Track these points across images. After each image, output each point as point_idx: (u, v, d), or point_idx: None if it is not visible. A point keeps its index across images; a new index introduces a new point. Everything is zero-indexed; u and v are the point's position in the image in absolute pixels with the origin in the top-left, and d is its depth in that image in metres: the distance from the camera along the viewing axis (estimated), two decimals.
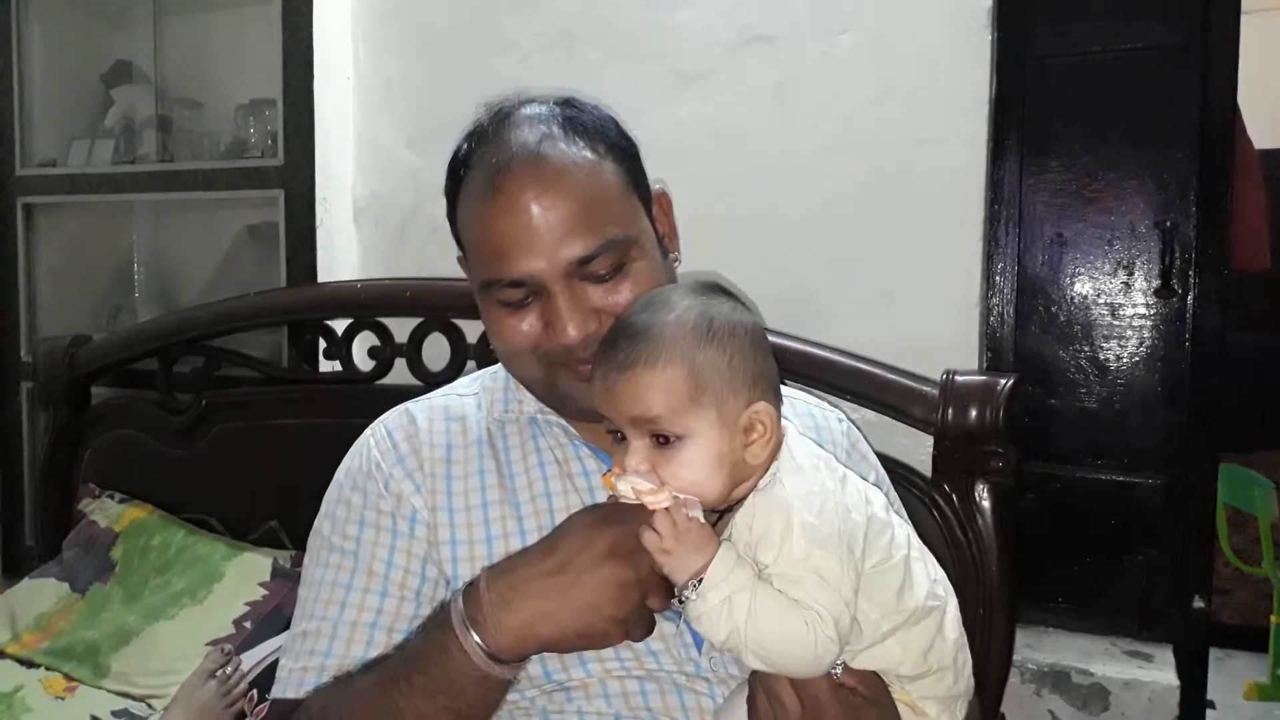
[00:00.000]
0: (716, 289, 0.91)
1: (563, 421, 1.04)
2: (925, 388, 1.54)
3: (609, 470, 0.86)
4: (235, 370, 2.25)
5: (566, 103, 1.02)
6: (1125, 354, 1.84)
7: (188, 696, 1.63)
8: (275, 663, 1.65)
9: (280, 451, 2.18)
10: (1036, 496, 1.88)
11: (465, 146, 1.01)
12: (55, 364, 2.30)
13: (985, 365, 1.88)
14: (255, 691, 1.67)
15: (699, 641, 0.95)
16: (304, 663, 0.99)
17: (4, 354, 2.70)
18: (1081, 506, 1.86)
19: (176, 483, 2.23)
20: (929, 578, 0.88)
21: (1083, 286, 1.87)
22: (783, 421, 0.89)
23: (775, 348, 1.60)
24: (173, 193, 2.47)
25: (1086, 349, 1.86)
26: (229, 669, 1.69)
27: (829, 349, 1.64)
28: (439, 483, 1.02)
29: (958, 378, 1.51)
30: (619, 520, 0.85)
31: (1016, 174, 1.87)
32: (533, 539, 0.95)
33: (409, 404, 1.11)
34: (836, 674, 0.83)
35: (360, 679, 0.94)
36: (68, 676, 1.91)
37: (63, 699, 1.84)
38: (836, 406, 1.69)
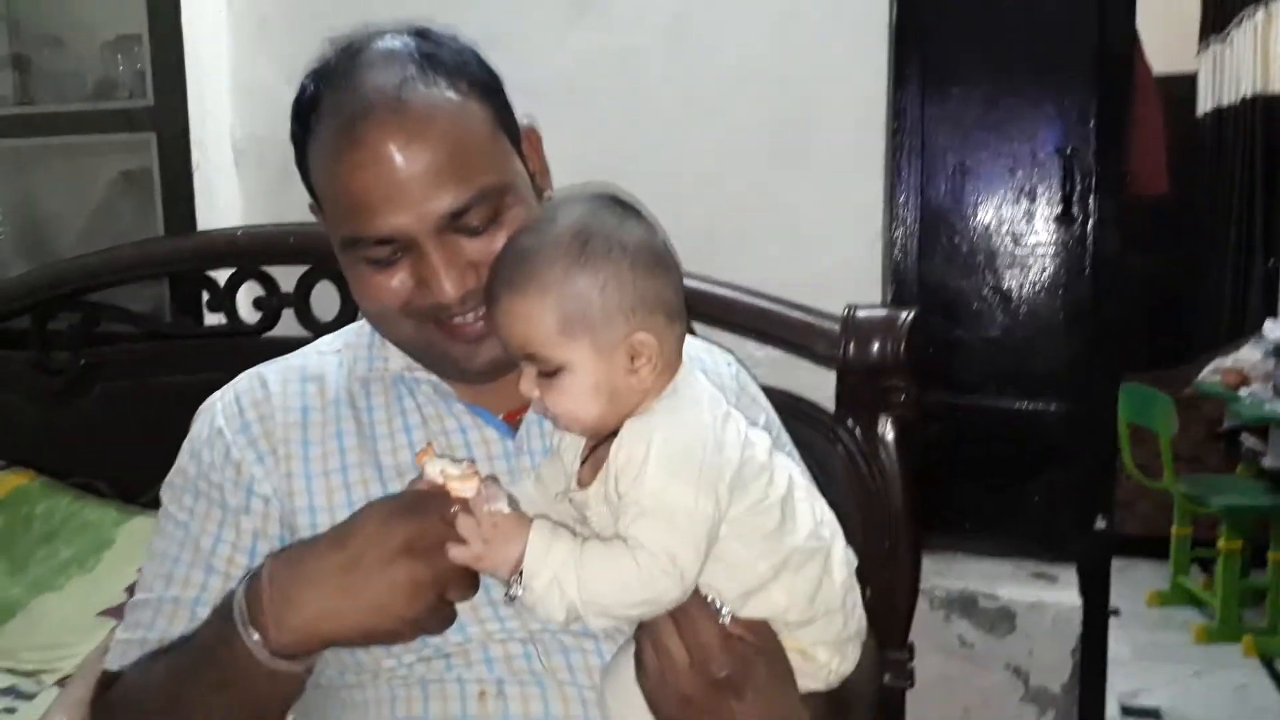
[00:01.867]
0: (608, 201, 0.84)
1: (433, 378, 0.99)
2: (827, 324, 1.53)
3: (424, 449, 0.83)
4: (116, 326, 2.14)
5: (422, 35, 0.94)
6: (1027, 282, 1.85)
7: (90, 673, 1.55)
8: None
9: (168, 410, 2.08)
10: (943, 426, 1.89)
11: (312, 88, 0.92)
12: None
13: (890, 298, 1.87)
14: None
15: None
16: (130, 634, 0.96)
17: None
18: (987, 434, 1.88)
19: (59, 446, 2.13)
20: (814, 519, 0.86)
21: (985, 215, 1.86)
22: (685, 356, 0.85)
23: None
24: (35, 138, 2.31)
25: (990, 278, 1.86)
26: None
27: (731, 287, 1.61)
28: (293, 448, 0.97)
29: (859, 313, 1.50)
30: (417, 513, 0.80)
31: (918, 104, 1.85)
32: None
33: (262, 366, 1.05)
34: (724, 622, 0.81)
35: (161, 662, 0.91)
36: None
37: None
38: (743, 344, 1.69)
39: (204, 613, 0.92)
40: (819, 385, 1.57)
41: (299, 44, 2.02)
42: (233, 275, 1.96)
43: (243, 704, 0.84)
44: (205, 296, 2.02)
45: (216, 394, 1.03)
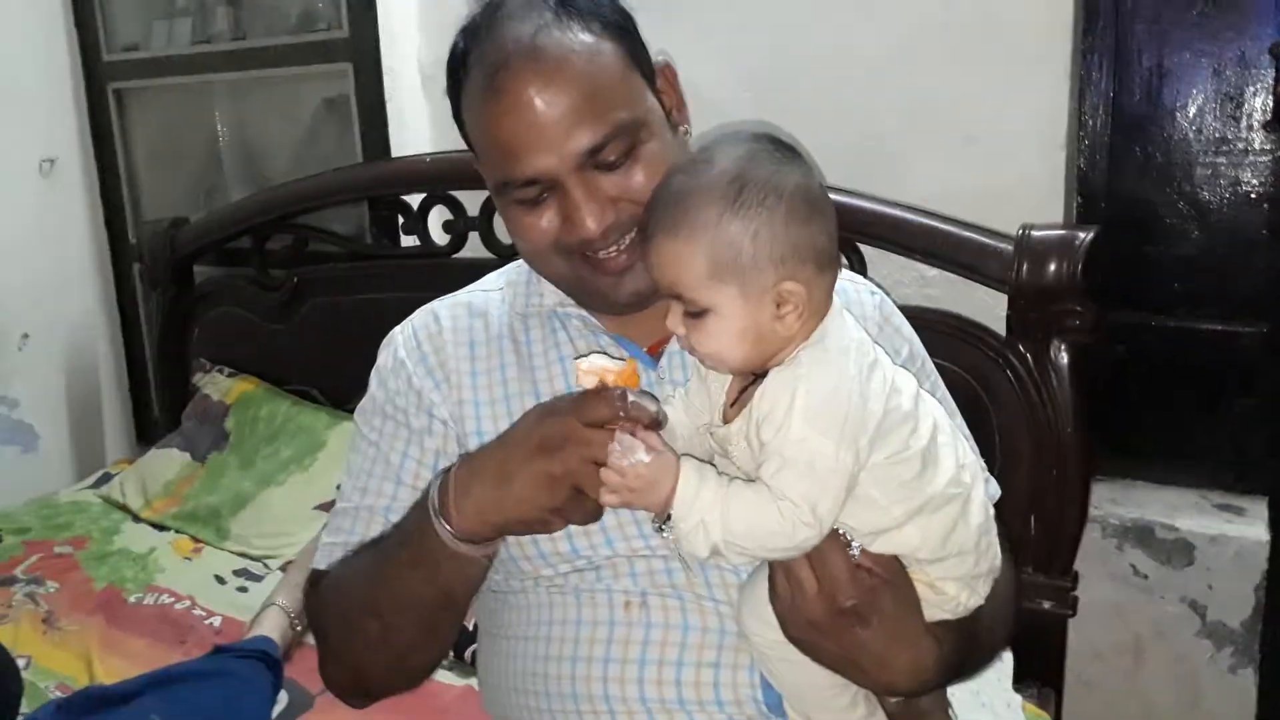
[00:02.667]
0: (768, 142, 0.85)
1: (583, 313, 1.04)
2: (999, 244, 1.48)
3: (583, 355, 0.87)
4: (324, 246, 2.32)
5: None
6: (1228, 194, 1.71)
7: (305, 562, 1.74)
8: None
9: (369, 325, 2.25)
10: (1130, 347, 1.80)
11: (461, 44, 0.97)
12: (158, 246, 2.41)
13: (1075, 211, 1.78)
14: None
15: None
16: (333, 538, 1.08)
17: (115, 238, 2.84)
18: (1177, 357, 1.78)
19: (279, 356, 2.35)
20: (956, 463, 0.86)
21: (1184, 122, 1.73)
22: (835, 299, 0.86)
23: (840, 206, 1.57)
24: (248, 71, 2.50)
25: (1186, 190, 1.74)
26: None
27: (899, 206, 1.58)
28: (463, 378, 1.05)
29: (1034, 233, 1.45)
30: (556, 414, 0.86)
31: (1111, 1, 1.71)
32: None
33: (435, 303, 1.13)
34: (855, 555, 0.84)
35: (364, 553, 1.02)
36: (194, 539, 2.08)
37: (190, 559, 2.01)
38: (913, 264, 1.67)
39: (395, 519, 1.04)
40: (992, 306, 1.54)
41: None
42: (424, 200, 2.08)
43: (431, 580, 0.94)
44: (400, 220, 2.16)
45: (397, 328, 1.13)
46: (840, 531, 0.83)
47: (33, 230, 2.68)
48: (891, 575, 0.85)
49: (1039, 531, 1.47)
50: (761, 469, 0.80)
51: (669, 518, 0.81)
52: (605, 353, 0.98)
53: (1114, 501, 1.75)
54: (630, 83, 0.94)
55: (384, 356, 1.11)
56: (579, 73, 0.91)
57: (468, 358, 1.06)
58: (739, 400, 0.86)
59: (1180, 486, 1.78)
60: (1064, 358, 1.46)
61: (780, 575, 0.85)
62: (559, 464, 0.84)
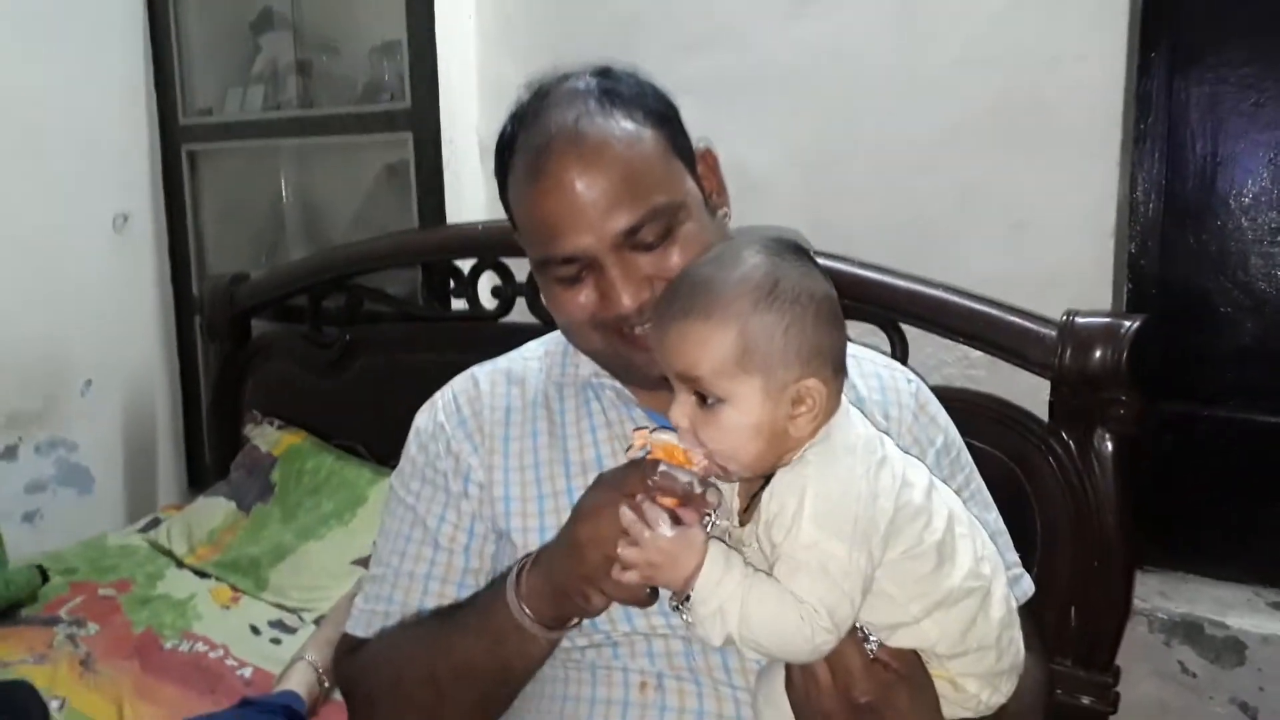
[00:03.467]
0: (793, 249, 0.87)
1: (616, 385, 1.06)
2: (1043, 329, 1.47)
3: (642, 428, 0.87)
4: (377, 307, 2.37)
5: (603, 74, 1.01)
6: None
7: (338, 618, 1.75)
8: None
9: (416, 384, 2.30)
10: (1180, 438, 1.76)
11: (509, 129, 1.02)
12: (218, 300, 2.49)
13: (1126, 299, 1.76)
14: None
15: None
16: (372, 606, 1.09)
17: (179, 291, 2.94)
18: (1230, 449, 1.73)
19: (328, 411, 2.40)
20: (974, 556, 0.85)
21: (1238, 211, 1.70)
22: (842, 397, 0.86)
23: (883, 285, 1.60)
24: (314, 137, 2.59)
25: (1241, 279, 1.71)
26: None
27: (941, 286, 1.58)
28: (496, 443, 1.07)
29: (1078, 319, 1.43)
30: (599, 483, 0.88)
31: (1165, 87, 1.71)
32: (579, 497, 0.98)
33: (476, 368, 1.15)
34: (872, 650, 0.82)
35: (427, 622, 1.03)
36: (233, 588, 2.10)
37: (228, 608, 2.03)
38: (957, 345, 1.65)
39: (435, 586, 1.05)
40: (1035, 391, 1.52)
41: (540, 44, 2.20)
42: (475, 265, 2.12)
43: (494, 652, 0.94)
44: (451, 284, 2.20)
45: (438, 393, 1.15)
46: (857, 625, 0.82)
47: (103, 281, 2.79)
48: (909, 671, 0.83)
49: (1079, 623, 1.43)
50: (775, 571, 0.79)
51: (688, 598, 0.80)
52: (644, 426, 1.00)
53: (1163, 595, 1.69)
54: (669, 167, 0.97)
55: (423, 419, 1.13)
56: (618, 157, 0.94)
57: (503, 423, 1.08)
58: (750, 503, 0.86)
59: (1232, 582, 1.72)
60: (1108, 446, 1.43)
61: (796, 666, 0.85)
62: (588, 529, 0.85)
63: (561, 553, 0.89)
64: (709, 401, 0.82)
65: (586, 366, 1.08)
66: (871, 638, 0.83)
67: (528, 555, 0.94)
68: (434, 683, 0.99)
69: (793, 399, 0.81)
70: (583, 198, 0.93)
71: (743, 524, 0.86)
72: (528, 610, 0.91)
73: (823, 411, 0.82)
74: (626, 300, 0.94)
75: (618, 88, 0.99)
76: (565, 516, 0.97)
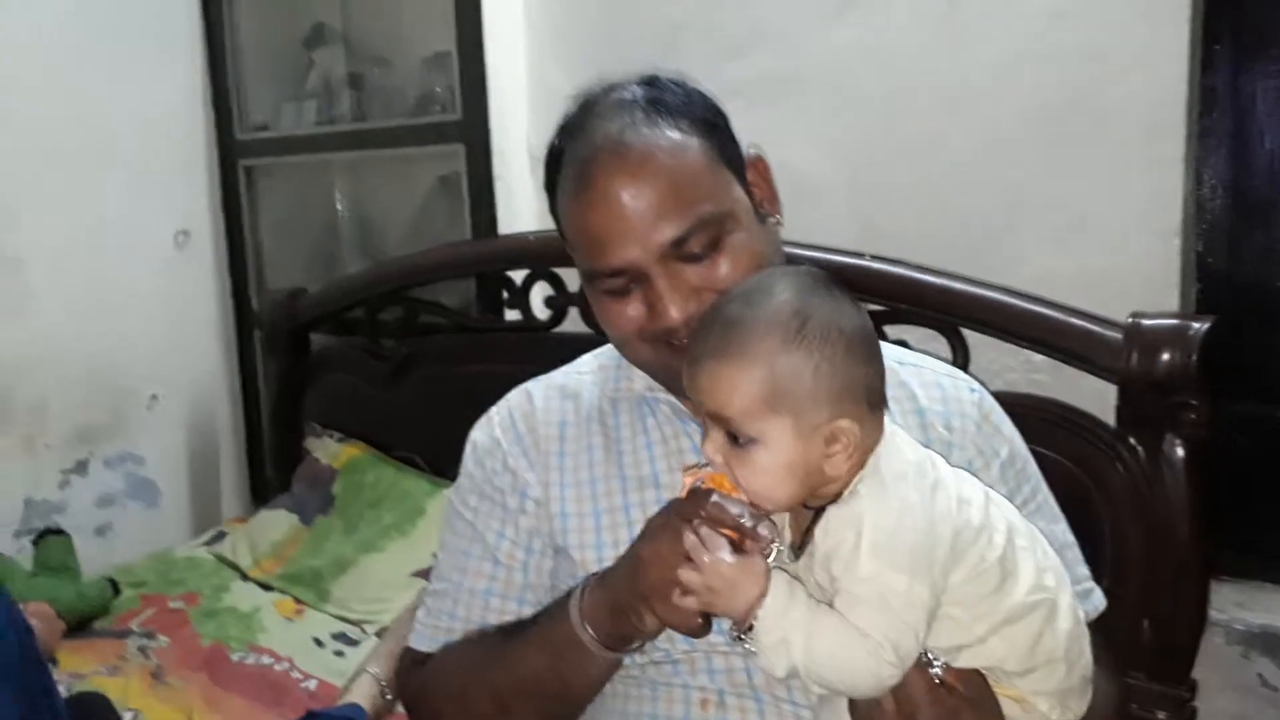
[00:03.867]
0: (824, 282, 0.86)
1: (672, 399, 1.05)
2: (1108, 332, 1.43)
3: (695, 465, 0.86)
4: (433, 318, 2.39)
5: (650, 84, 1.00)
6: None
7: (399, 631, 1.76)
8: None
9: (472, 394, 2.31)
10: (1253, 441, 1.70)
11: (557, 142, 1.02)
12: (277, 315, 2.53)
13: (1195, 299, 1.71)
14: None
15: None
16: (435, 621, 1.10)
17: (240, 306, 2.99)
18: None
19: (385, 423, 2.42)
20: (1036, 568, 0.83)
21: None
22: (885, 422, 0.85)
23: (942, 290, 1.57)
24: (367, 150, 2.62)
25: None
26: None
27: (1002, 290, 1.55)
28: (552, 459, 1.07)
29: (1144, 321, 1.40)
30: (665, 508, 0.87)
31: (1230, 82, 1.66)
32: (636, 513, 0.99)
33: (530, 383, 1.15)
34: (938, 674, 0.81)
35: (492, 635, 1.04)
36: (297, 600, 2.14)
37: (292, 620, 2.06)
38: (1020, 350, 1.62)
39: (495, 602, 1.06)
40: (1102, 395, 1.48)
41: (589, 55, 2.20)
42: (527, 276, 2.13)
43: (553, 667, 0.94)
44: (505, 294, 2.21)
45: (494, 408, 1.15)
46: (922, 652, 0.80)
47: (165, 297, 2.84)
48: (975, 694, 0.82)
49: (1152, 636, 1.39)
50: (835, 605, 0.78)
51: (750, 628, 0.79)
52: (684, 459, 1.01)
53: (1240, 605, 1.64)
54: (717, 176, 0.96)
55: (480, 435, 1.13)
56: (664, 167, 0.94)
57: (558, 438, 1.08)
58: (804, 537, 0.85)
59: None
60: (1179, 452, 1.39)
61: None
62: (649, 548, 0.84)
63: (623, 570, 0.89)
64: (741, 441, 0.81)
65: (640, 381, 1.07)
66: (936, 662, 0.81)
67: (595, 573, 0.94)
68: (497, 697, 0.99)
69: (826, 438, 0.80)
70: (628, 209, 0.93)
71: (796, 558, 0.85)
72: (589, 627, 0.91)
73: (859, 449, 0.81)
74: (674, 312, 0.93)
75: (664, 97, 0.98)
76: (622, 532, 0.98)
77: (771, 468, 0.80)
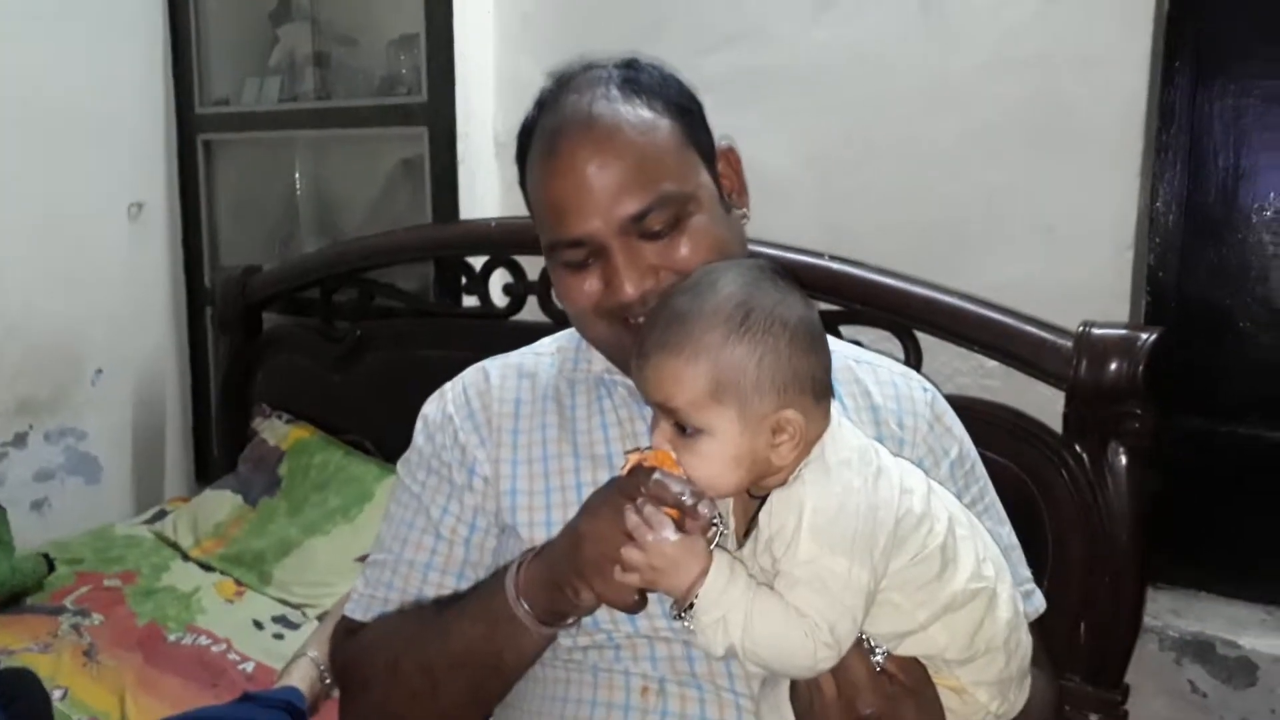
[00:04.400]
0: (770, 274, 0.87)
1: (629, 382, 1.04)
2: (1059, 340, 1.45)
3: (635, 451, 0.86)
4: (388, 302, 2.37)
5: (628, 65, 1.01)
6: None
7: (340, 615, 1.74)
8: None
9: (425, 381, 2.29)
10: (1196, 454, 1.73)
11: (531, 115, 1.02)
12: (230, 292, 2.48)
13: (1145, 311, 1.74)
14: None
15: None
16: (372, 591, 1.09)
17: (192, 281, 2.93)
18: (1247, 466, 1.70)
19: (337, 406, 2.39)
20: (976, 558, 0.84)
21: (1260, 225, 1.68)
22: (833, 409, 0.85)
23: (897, 292, 1.58)
24: (329, 129, 2.59)
25: (1260, 294, 1.68)
26: None
27: (956, 294, 1.56)
28: (504, 436, 1.06)
29: (1094, 330, 1.41)
30: (606, 485, 0.88)
31: (1189, 98, 1.68)
32: (587, 492, 0.98)
33: (487, 361, 1.15)
34: (879, 662, 0.81)
35: (427, 607, 1.04)
36: (238, 582, 2.10)
37: (231, 602, 2.03)
38: (974, 354, 1.64)
39: (434, 576, 1.05)
40: (1050, 403, 1.50)
41: (557, 41, 2.19)
42: (487, 262, 2.11)
43: (489, 639, 0.94)
44: (463, 280, 2.19)
45: (448, 384, 1.15)
46: (863, 636, 0.81)
47: (116, 270, 2.78)
48: (915, 683, 0.82)
49: (1089, 639, 1.41)
50: (775, 587, 0.79)
51: (690, 606, 0.79)
52: (638, 442, 1.00)
53: (1174, 613, 1.67)
54: (684, 158, 0.97)
55: (432, 409, 1.13)
56: (630, 142, 0.94)
57: (512, 415, 1.08)
58: (750, 523, 0.85)
59: (1246, 601, 1.70)
60: (1122, 460, 1.41)
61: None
62: (589, 525, 0.85)
63: (562, 545, 0.89)
64: (688, 431, 0.82)
65: (599, 363, 1.07)
66: (878, 649, 0.82)
67: (532, 547, 0.94)
68: (428, 669, 0.99)
69: (772, 428, 0.81)
70: (592, 181, 0.93)
71: (740, 544, 0.85)
72: (524, 602, 0.90)
73: (804, 439, 0.82)
74: (629, 288, 0.94)
75: (639, 77, 0.99)
76: (572, 510, 0.96)
77: (718, 457, 0.81)
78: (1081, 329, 1.42)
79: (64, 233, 2.66)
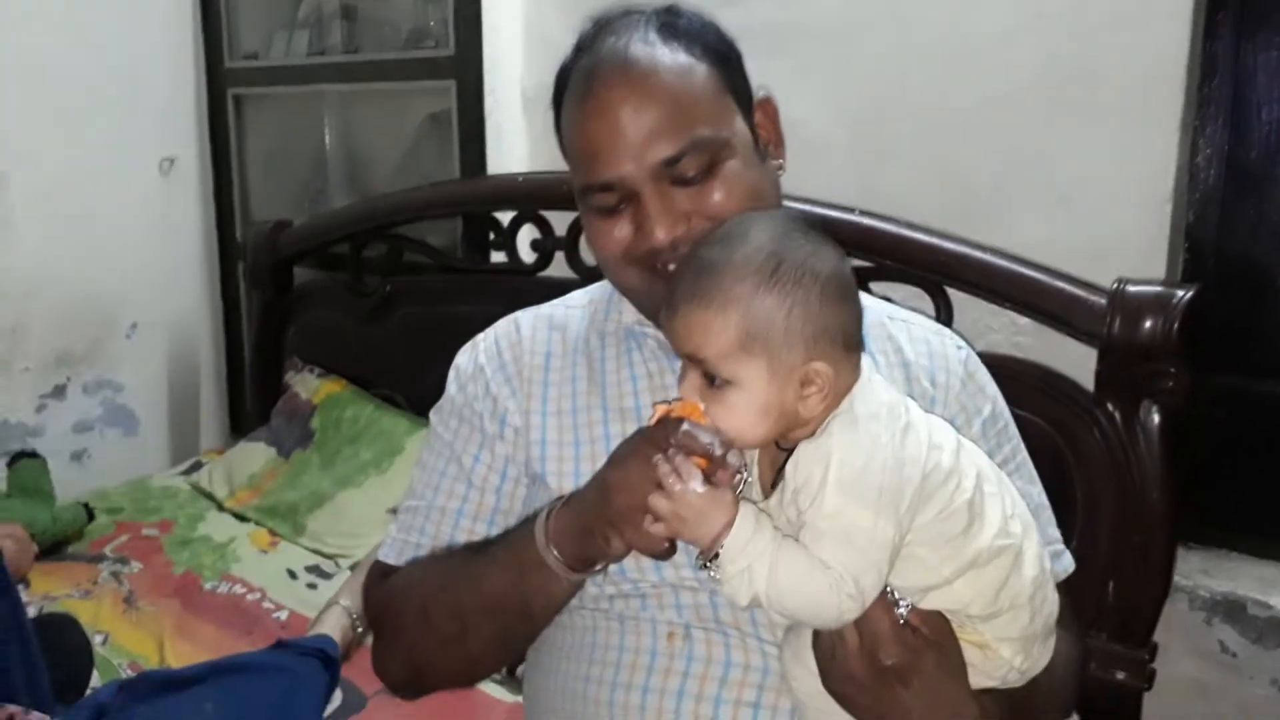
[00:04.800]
0: (801, 225, 0.85)
1: (659, 335, 1.04)
2: (1092, 297, 1.43)
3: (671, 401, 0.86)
4: (417, 257, 2.37)
5: (667, 10, 0.99)
6: None
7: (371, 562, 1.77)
8: None
9: (454, 335, 2.29)
10: (1231, 412, 1.71)
11: (569, 58, 1.01)
12: (261, 247, 2.50)
13: (1182, 269, 1.71)
14: None
15: None
16: (405, 536, 1.10)
17: (224, 236, 2.96)
18: None
19: (367, 360, 2.41)
20: (1003, 514, 0.83)
21: None
22: (864, 363, 0.85)
23: (927, 247, 1.56)
24: (357, 83, 2.58)
25: None
26: None
27: (988, 250, 1.54)
28: (535, 388, 1.06)
29: (1129, 287, 1.39)
30: (633, 435, 0.88)
31: (1232, 51, 1.64)
32: (615, 445, 0.98)
33: (519, 313, 1.14)
34: (903, 614, 0.81)
35: (459, 552, 1.04)
36: (272, 532, 2.14)
37: (266, 552, 2.07)
38: (1005, 312, 1.62)
39: (465, 522, 1.06)
40: (1084, 361, 1.48)
41: None
42: (514, 218, 2.11)
43: (517, 586, 0.94)
44: (491, 236, 2.19)
45: (481, 335, 1.15)
46: (887, 589, 0.81)
47: (148, 225, 2.81)
48: (938, 636, 0.82)
49: (1117, 598, 1.41)
50: (800, 539, 0.79)
51: (715, 556, 0.79)
52: (667, 395, 0.98)
53: (1205, 573, 1.66)
54: (720, 104, 0.96)
55: (465, 359, 1.13)
56: (666, 85, 0.93)
57: (542, 367, 1.08)
58: (776, 475, 0.85)
59: (1278, 561, 1.68)
60: (1154, 419, 1.39)
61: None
62: (618, 475, 0.85)
63: (591, 494, 0.89)
64: (716, 383, 0.82)
65: (630, 314, 1.06)
66: (902, 602, 0.82)
67: (561, 496, 0.94)
68: (458, 613, 1.00)
69: (801, 380, 0.81)
70: (625, 123, 0.92)
71: (767, 495, 0.85)
72: (554, 549, 0.91)
73: (833, 392, 0.81)
74: (660, 233, 0.92)
75: (678, 22, 0.98)
76: (600, 462, 0.96)
77: (747, 409, 0.81)
78: (1116, 285, 1.40)
79: (95, 187, 2.69)
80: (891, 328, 1.07)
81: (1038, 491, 1.10)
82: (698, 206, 0.93)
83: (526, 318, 1.13)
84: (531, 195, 2.03)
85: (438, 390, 1.17)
